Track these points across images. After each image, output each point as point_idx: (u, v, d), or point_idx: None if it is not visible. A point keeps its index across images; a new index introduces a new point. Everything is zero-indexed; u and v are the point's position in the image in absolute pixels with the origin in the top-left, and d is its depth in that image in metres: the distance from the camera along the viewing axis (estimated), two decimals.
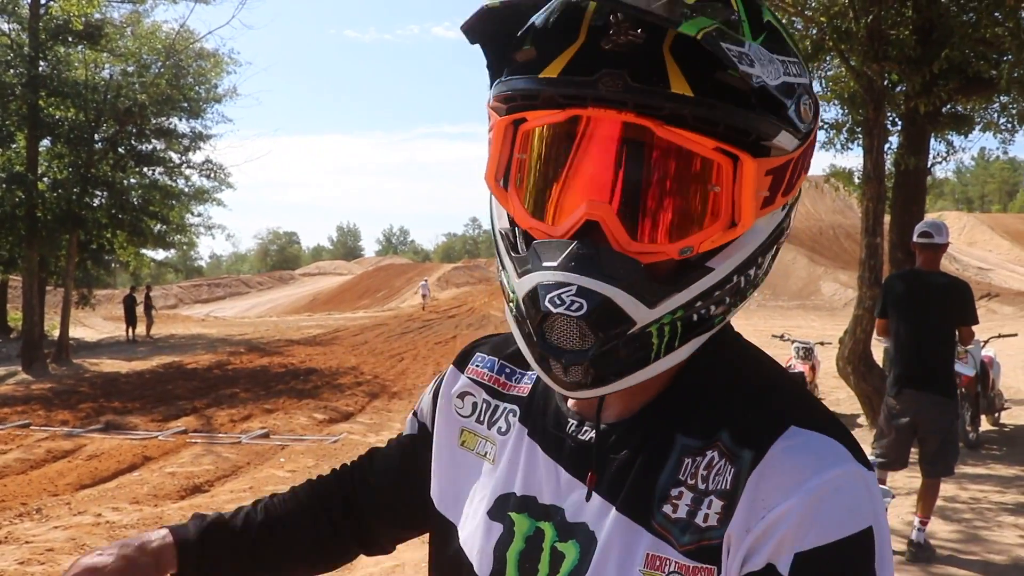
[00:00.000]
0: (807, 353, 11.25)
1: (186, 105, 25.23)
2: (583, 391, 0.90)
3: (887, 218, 10.72)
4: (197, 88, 25.76)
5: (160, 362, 21.63)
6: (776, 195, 0.92)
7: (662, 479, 0.93)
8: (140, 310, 30.27)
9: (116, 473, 9.30)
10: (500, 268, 0.98)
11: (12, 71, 21.76)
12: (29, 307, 22.00)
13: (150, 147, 26.08)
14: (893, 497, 5.15)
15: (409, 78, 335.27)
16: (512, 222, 0.98)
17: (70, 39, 21.86)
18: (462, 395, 1.20)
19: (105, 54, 23.22)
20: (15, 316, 27.76)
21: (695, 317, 0.91)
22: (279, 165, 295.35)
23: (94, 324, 34.03)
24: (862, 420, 10.52)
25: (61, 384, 17.60)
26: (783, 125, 0.88)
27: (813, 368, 11.17)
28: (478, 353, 1.24)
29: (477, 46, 0.96)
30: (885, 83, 10.41)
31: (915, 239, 6.24)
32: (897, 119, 11.53)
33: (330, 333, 30.29)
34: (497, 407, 1.15)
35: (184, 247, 31.51)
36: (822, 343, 11.97)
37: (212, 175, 27.45)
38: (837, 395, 12.47)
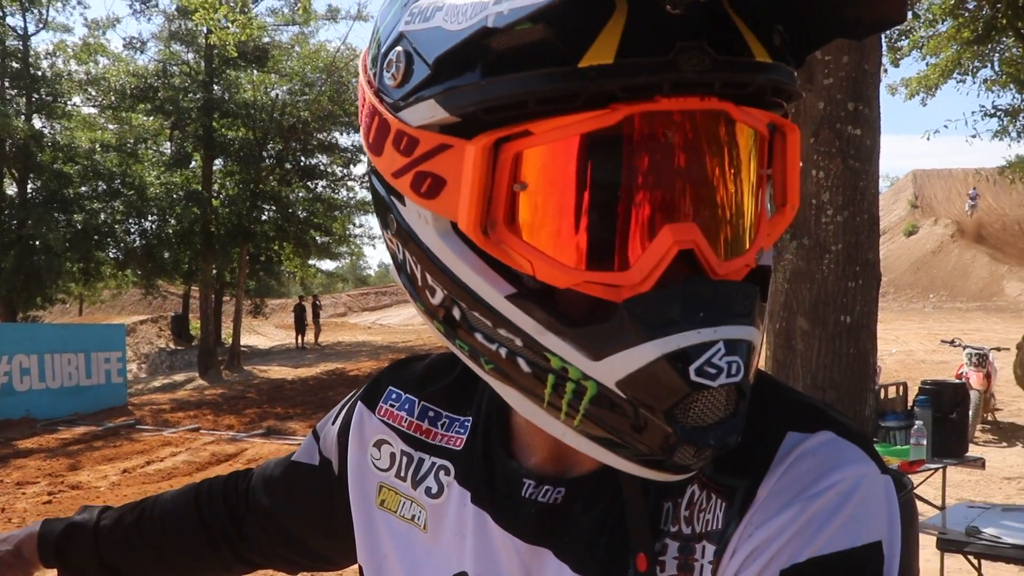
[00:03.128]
0: (981, 360, 10.37)
1: (347, 120, 26.15)
2: (699, 467, 0.70)
3: None
4: (357, 103, 26.63)
5: (324, 369, 22.51)
6: None
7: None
8: (309, 318, 31.66)
9: None
10: (520, 355, 0.71)
11: (190, 96, 23.31)
12: (205, 317, 23.52)
13: (314, 161, 27.19)
14: None
15: None
16: (528, 284, 0.70)
17: (241, 63, 23.17)
18: (378, 443, 0.99)
19: (273, 75, 24.48)
20: (196, 325, 29.62)
21: None
22: None
23: (267, 332, 35.83)
24: None
25: (231, 390, 18.60)
26: None
27: (988, 376, 10.29)
28: (391, 388, 1.01)
29: None
30: None
31: None
32: None
33: None
34: (422, 461, 0.94)
35: (351, 257, 32.72)
36: (999, 349, 11.02)
37: None
38: (1018, 405, 11.48)
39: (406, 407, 0.99)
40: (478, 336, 0.73)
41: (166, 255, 24.57)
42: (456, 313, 0.74)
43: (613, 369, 0.66)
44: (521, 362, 0.71)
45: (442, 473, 0.92)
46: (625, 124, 0.65)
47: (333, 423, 1.07)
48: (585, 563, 0.78)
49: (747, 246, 0.71)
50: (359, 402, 1.03)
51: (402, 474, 0.95)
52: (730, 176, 0.70)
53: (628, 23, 0.62)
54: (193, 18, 13.05)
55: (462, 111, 0.66)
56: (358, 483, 0.99)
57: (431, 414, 0.97)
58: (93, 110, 24.85)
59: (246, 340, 27.46)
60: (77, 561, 1.14)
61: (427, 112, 0.68)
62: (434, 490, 0.91)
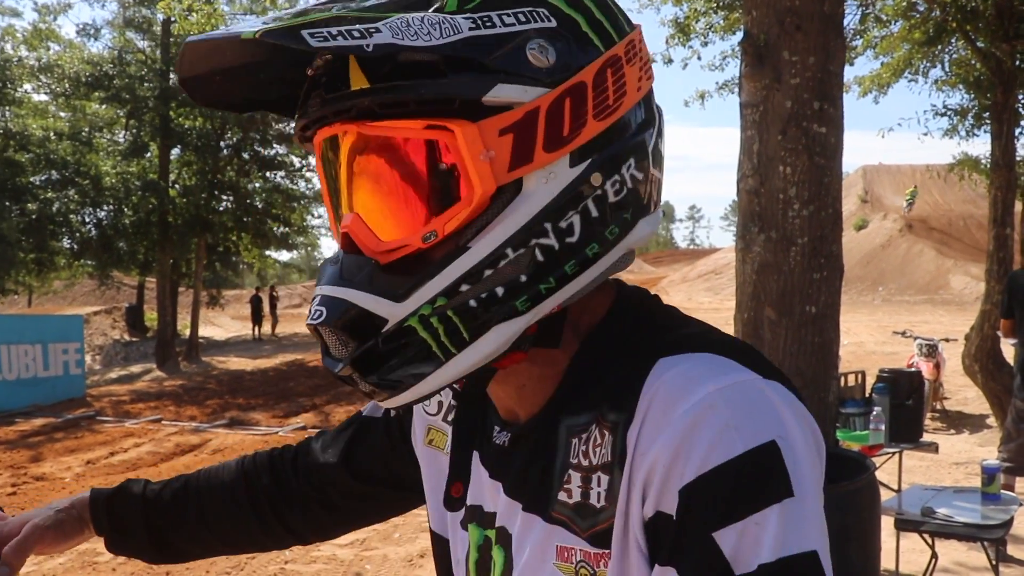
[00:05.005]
0: (931, 350, 10.76)
1: None
2: (386, 400, 0.87)
3: (1018, 207, 10.15)
4: None
5: (283, 360, 22.40)
6: (533, 151, 0.84)
7: (556, 467, 0.90)
8: (266, 309, 31.44)
9: None
10: None
11: (147, 85, 23.00)
12: (162, 308, 23.24)
13: (272, 152, 27.00)
14: (1022, 504, 4.88)
15: None
16: None
17: None
18: None
19: None
20: (151, 316, 29.26)
21: (472, 303, 0.83)
22: None
23: (223, 323, 35.51)
24: (991, 421, 9.99)
25: (191, 381, 18.47)
26: (497, 78, 0.82)
27: (937, 366, 10.67)
28: None
29: None
30: (1016, 63, 9.84)
31: None
32: None
33: None
34: (453, 407, 1.11)
35: (307, 248, 32.51)
36: (948, 340, 11.42)
37: None
38: (965, 394, 11.87)
39: None
40: None
41: (122, 245, 24.22)
42: None
43: None
44: None
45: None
46: (321, 145, 0.91)
47: None
48: (520, 493, 0.94)
49: (406, 230, 0.85)
50: None
51: (447, 418, 1.13)
52: (380, 176, 0.88)
53: (306, 87, 0.89)
54: (157, 7, 12.93)
55: None
56: (416, 427, 1.17)
57: None
58: (45, 97, 24.42)
59: (203, 331, 27.19)
60: (126, 523, 1.25)
61: None
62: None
